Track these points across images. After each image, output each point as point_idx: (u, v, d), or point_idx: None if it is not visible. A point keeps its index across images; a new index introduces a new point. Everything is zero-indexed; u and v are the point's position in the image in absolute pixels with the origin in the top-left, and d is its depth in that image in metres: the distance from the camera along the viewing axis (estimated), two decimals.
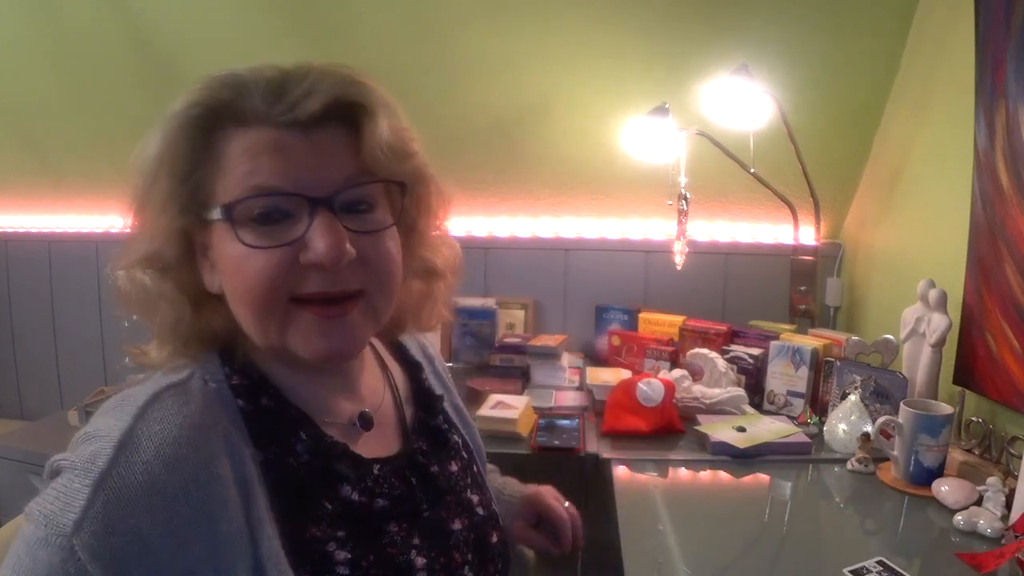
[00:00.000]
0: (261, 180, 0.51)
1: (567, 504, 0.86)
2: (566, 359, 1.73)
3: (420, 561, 0.59)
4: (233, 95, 0.53)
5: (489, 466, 0.86)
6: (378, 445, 0.64)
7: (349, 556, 0.54)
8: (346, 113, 0.54)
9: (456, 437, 0.74)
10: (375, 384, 0.69)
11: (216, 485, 0.49)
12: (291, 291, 0.52)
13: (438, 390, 0.76)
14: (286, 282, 0.52)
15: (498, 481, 0.88)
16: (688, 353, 1.56)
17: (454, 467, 0.69)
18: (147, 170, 0.54)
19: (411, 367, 0.76)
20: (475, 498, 0.70)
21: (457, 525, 0.65)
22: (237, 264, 0.52)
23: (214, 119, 0.53)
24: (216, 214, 0.52)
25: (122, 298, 0.57)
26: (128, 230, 0.56)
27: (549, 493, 0.86)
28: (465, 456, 0.73)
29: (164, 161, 0.53)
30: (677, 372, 1.48)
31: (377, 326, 0.59)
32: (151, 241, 0.55)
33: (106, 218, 2.25)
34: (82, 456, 0.48)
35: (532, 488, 0.87)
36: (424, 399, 0.73)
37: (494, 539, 0.69)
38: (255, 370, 0.59)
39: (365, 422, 0.63)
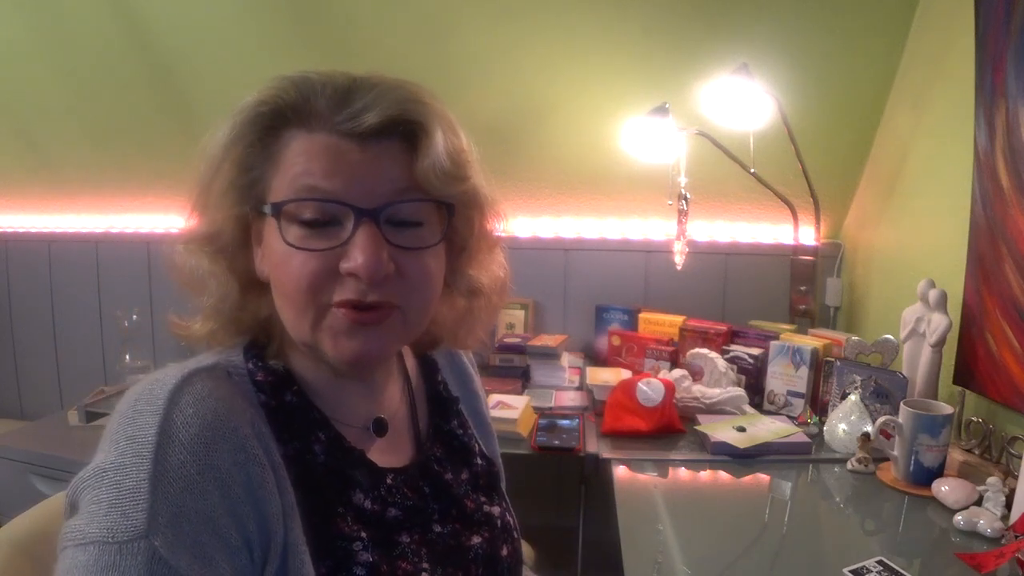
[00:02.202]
0: (312, 182, 0.52)
1: None
2: (566, 359, 1.73)
3: None
4: (300, 97, 0.54)
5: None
6: (392, 454, 0.64)
7: (371, 559, 0.55)
8: (405, 129, 0.55)
9: (473, 443, 0.73)
10: (395, 390, 0.69)
11: (255, 465, 0.50)
12: (328, 296, 0.53)
13: (455, 392, 0.76)
14: (324, 286, 0.53)
15: None
16: (688, 353, 1.57)
17: (465, 474, 0.69)
18: (213, 157, 0.56)
19: (428, 366, 0.76)
20: (495, 510, 0.69)
21: (476, 540, 0.64)
22: (280, 260, 0.54)
23: (279, 118, 0.55)
24: (267, 210, 0.54)
25: (175, 272, 0.59)
26: (191, 210, 0.59)
27: None
28: (481, 463, 0.72)
29: (229, 151, 0.55)
30: (677, 372, 1.48)
31: (407, 339, 0.60)
32: (211, 223, 0.57)
33: (106, 218, 2.25)
34: (124, 453, 0.47)
35: None
36: (439, 401, 0.73)
37: (504, 552, 0.68)
38: (283, 362, 0.60)
39: (379, 427, 0.64)
